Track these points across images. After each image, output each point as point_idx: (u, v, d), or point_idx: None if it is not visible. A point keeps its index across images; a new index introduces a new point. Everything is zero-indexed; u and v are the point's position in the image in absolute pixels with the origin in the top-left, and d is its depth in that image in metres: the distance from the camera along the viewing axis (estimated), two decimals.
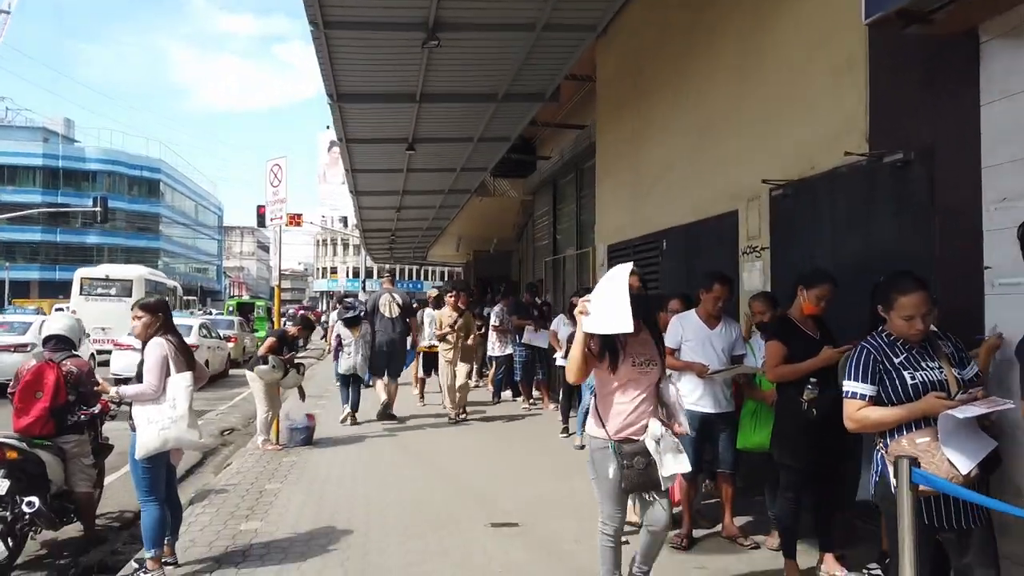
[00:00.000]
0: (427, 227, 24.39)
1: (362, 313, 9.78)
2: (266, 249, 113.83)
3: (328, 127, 55.13)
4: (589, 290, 8.51)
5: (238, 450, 7.90)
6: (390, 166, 14.61)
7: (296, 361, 7.77)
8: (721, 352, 4.74)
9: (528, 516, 5.37)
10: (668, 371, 4.70)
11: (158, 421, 4.07)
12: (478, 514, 5.44)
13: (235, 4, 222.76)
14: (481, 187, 17.75)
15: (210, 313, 24.68)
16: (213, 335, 14.74)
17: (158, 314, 4.32)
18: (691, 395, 4.64)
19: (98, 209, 30.31)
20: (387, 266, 55.15)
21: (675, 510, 4.79)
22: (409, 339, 10.09)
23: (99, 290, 19.03)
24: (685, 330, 4.80)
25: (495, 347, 10.97)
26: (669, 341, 4.67)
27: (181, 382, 4.19)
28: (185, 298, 25.68)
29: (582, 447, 7.48)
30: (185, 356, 4.33)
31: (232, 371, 16.29)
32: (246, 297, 23.56)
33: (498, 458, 7.47)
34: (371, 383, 10.15)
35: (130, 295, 19.17)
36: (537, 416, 10.06)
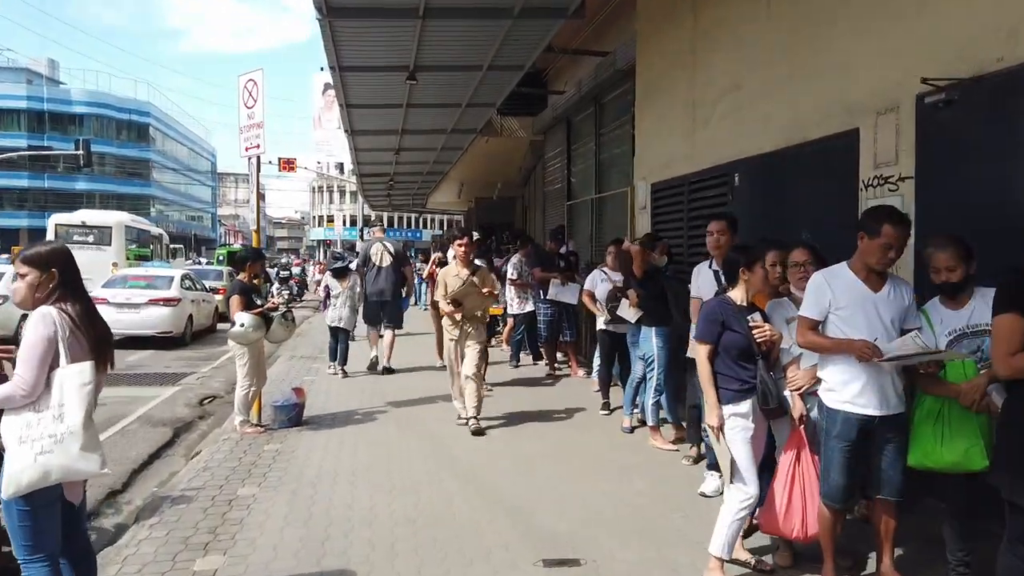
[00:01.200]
0: (427, 171, 22.97)
1: (349, 263, 9.64)
2: (262, 196, 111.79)
3: (323, 68, 52.89)
4: (620, 241, 7.32)
5: (214, 430, 6.65)
6: (388, 100, 13.18)
7: (282, 308, 6.27)
8: (890, 324, 3.31)
9: (587, 544, 3.97)
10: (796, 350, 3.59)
11: (36, 440, 2.63)
12: (517, 540, 4.06)
13: None
14: (487, 126, 16.34)
15: (199, 263, 23.42)
16: (198, 287, 13.56)
17: (50, 270, 2.84)
18: (842, 390, 3.33)
19: (80, 152, 28.93)
20: (377, 214, 53.79)
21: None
22: (404, 289, 9.85)
23: (76, 238, 17.72)
24: (835, 293, 3.34)
25: (513, 303, 9.50)
26: (810, 309, 3.39)
27: (74, 378, 2.72)
28: (172, 247, 24.35)
29: (632, 429, 6.38)
30: (87, 337, 2.82)
31: (221, 325, 15.16)
32: (237, 246, 22.30)
33: (529, 447, 6.01)
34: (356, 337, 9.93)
35: (110, 243, 17.91)
36: (566, 385, 8.66)
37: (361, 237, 46.82)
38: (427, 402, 7.69)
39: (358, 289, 9.35)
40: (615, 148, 12.01)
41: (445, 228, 61.96)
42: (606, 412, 7.07)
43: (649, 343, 5.48)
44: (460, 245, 6.59)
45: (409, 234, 63.43)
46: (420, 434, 6.41)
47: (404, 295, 10.09)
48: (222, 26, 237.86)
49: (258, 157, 6.63)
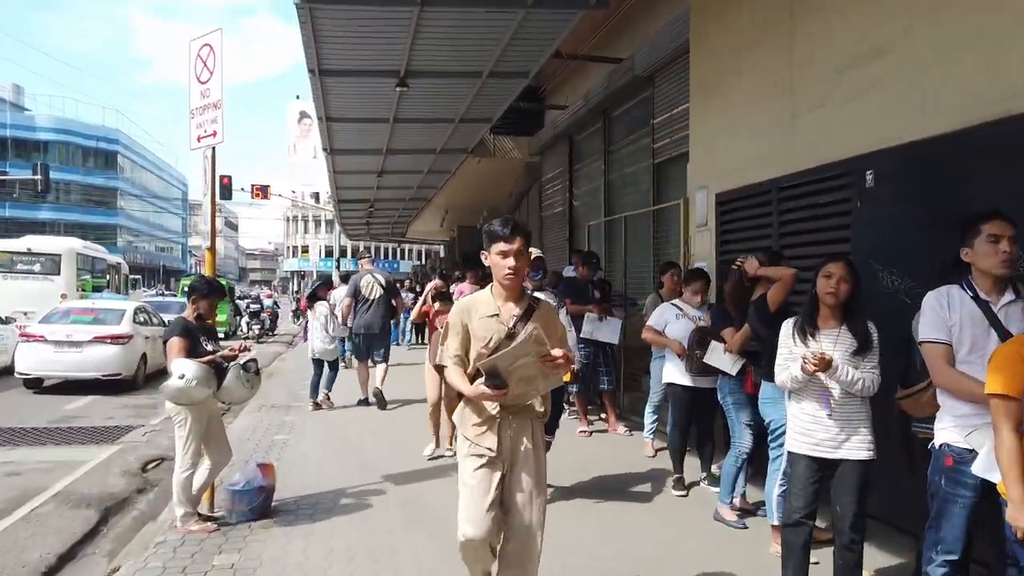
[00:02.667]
0: (411, 197, 21.59)
1: (317, 288, 9.56)
2: (234, 227, 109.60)
3: (298, 97, 51.57)
4: (674, 265, 5.95)
5: (147, 524, 4.73)
6: (374, 113, 11.82)
7: (242, 356, 4.60)
8: None
9: None
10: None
11: None
12: None
13: None
14: (479, 146, 15.04)
15: (163, 294, 21.67)
16: (155, 321, 11.94)
17: None
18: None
19: (39, 178, 27.19)
20: (363, 244, 52.23)
21: None
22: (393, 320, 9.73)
23: (20, 267, 15.98)
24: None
25: None
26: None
27: None
28: (132, 277, 22.53)
29: (741, 523, 4.56)
30: None
31: None
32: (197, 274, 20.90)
33: (588, 553, 4.06)
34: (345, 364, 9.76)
35: (58, 272, 16.15)
36: (609, 446, 6.64)
37: (337, 268, 45.25)
38: (440, 475, 5.71)
39: (326, 320, 8.96)
40: (630, 166, 10.75)
41: (425, 259, 60.58)
42: (681, 493, 5.24)
43: (778, 406, 3.75)
44: (504, 252, 2.95)
45: (386, 265, 61.84)
46: (434, 527, 4.49)
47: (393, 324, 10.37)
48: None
49: (213, 149, 4.93)
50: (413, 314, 10.46)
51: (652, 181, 9.64)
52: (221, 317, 20.21)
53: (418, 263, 62.45)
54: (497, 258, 2.93)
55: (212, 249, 5.27)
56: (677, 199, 8.91)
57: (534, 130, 15.17)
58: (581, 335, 6.13)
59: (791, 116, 5.24)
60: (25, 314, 13.78)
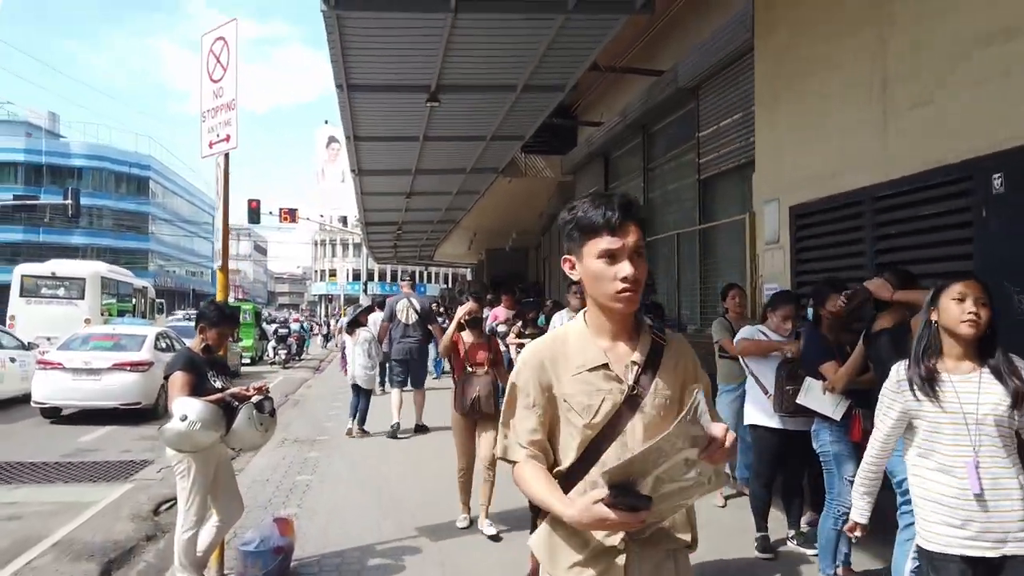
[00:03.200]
0: (439, 219, 21.21)
1: (359, 314, 9.46)
2: (263, 251, 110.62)
3: (326, 122, 51.93)
4: (735, 287, 5.30)
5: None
6: (403, 131, 11.42)
7: (256, 395, 3.96)
8: None
9: None
10: None
11: None
12: None
13: (233, 8, 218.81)
14: (510, 166, 14.61)
15: (189, 317, 21.41)
16: (177, 347, 11.53)
17: None
18: None
19: (69, 202, 27.29)
20: (382, 268, 51.93)
21: None
22: (432, 347, 9.48)
23: (44, 291, 15.76)
24: None
25: None
26: None
27: None
28: (157, 301, 22.30)
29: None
30: None
31: None
32: (231, 300, 20.49)
33: None
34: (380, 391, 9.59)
35: (82, 296, 15.90)
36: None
37: (365, 291, 45.00)
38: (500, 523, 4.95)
39: (368, 345, 8.81)
40: (672, 182, 10.19)
41: (451, 283, 60.30)
42: (769, 556, 4.39)
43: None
44: (613, 253, 1.69)
45: (416, 290, 61.71)
46: None
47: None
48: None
49: (227, 156, 4.33)
50: (441, 345, 10.01)
51: (698, 198, 9.06)
52: (247, 342, 19.85)
53: (445, 286, 62.17)
54: (599, 264, 1.69)
55: (224, 269, 4.72)
56: (727, 215, 8.36)
57: (566, 149, 14.68)
58: None
59: (885, 115, 4.56)
60: (48, 339, 13.50)
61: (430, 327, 9.05)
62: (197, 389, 3.77)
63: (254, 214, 31.53)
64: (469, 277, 46.97)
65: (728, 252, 7.66)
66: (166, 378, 3.86)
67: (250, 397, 3.97)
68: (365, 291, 44.02)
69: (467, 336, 5.39)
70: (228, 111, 4.07)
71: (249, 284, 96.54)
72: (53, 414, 9.99)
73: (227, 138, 4.11)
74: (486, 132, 11.60)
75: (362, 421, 8.53)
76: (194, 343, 4.09)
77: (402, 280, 9.97)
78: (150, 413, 9.95)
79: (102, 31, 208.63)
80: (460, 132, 11.65)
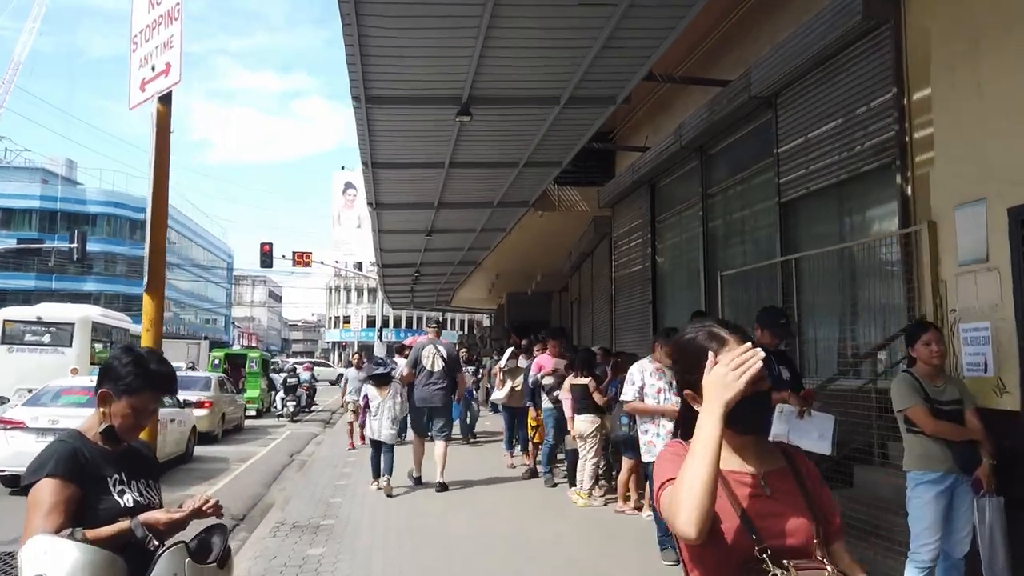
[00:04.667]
0: (460, 260, 19.91)
1: (392, 371, 8.59)
2: (277, 298, 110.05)
3: (343, 167, 51.51)
4: (932, 327, 3.82)
5: None
6: (428, 157, 10.17)
7: (208, 509, 2.20)
8: None
9: None
10: None
11: None
12: None
13: (256, 63, 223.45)
14: (541, 198, 13.31)
15: (192, 367, 20.03)
16: (170, 402, 10.16)
17: None
18: None
19: (75, 246, 26.37)
20: (414, 315, 50.62)
21: None
22: (455, 395, 8.90)
23: (29, 337, 14.43)
24: None
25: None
26: None
27: None
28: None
29: None
30: None
31: (200, 450, 11.63)
32: (237, 348, 18.99)
33: None
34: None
35: (70, 344, 14.56)
36: None
37: (379, 339, 43.61)
38: None
39: (399, 399, 8.34)
40: (741, 208, 8.79)
41: (469, 330, 58.79)
42: None
43: None
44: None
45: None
46: None
47: (455, 401, 9.16)
48: (246, 138, 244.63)
49: (169, 97, 2.97)
50: (501, 394, 8.71)
51: (778, 223, 7.62)
52: (253, 392, 18.40)
53: (462, 333, 60.71)
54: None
55: (156, 290, 3.19)
56: (817, 242, 6.93)
57: (603, 180, 13.39)
58: (771, 438, 4.02)
59: None
60: (30, 391, 12.12)
61: (456, 375, 8.59)
62: (81, 513, 2.02)
63: (267, 258, 30.50)
64: (487, 323, 45.57)
65: (863, 282, 6.17)
66: (26, 488, 2.07)
67: (183, 524, 2.18)
68: (380, 338, 42.66)
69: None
70: (169, 25, 2.68)
71: (263, 331, 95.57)
72: (14, 483, 8.54)
73: (166, 70, 2.72)
74: (519, 157, 10.32)
75: (389, 471, 8.01)
76: (88, 423, 2.26)
77: (429, 326, 9.47)
78: None
79: (124, 86, 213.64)
80: (490, 157, 10.38)
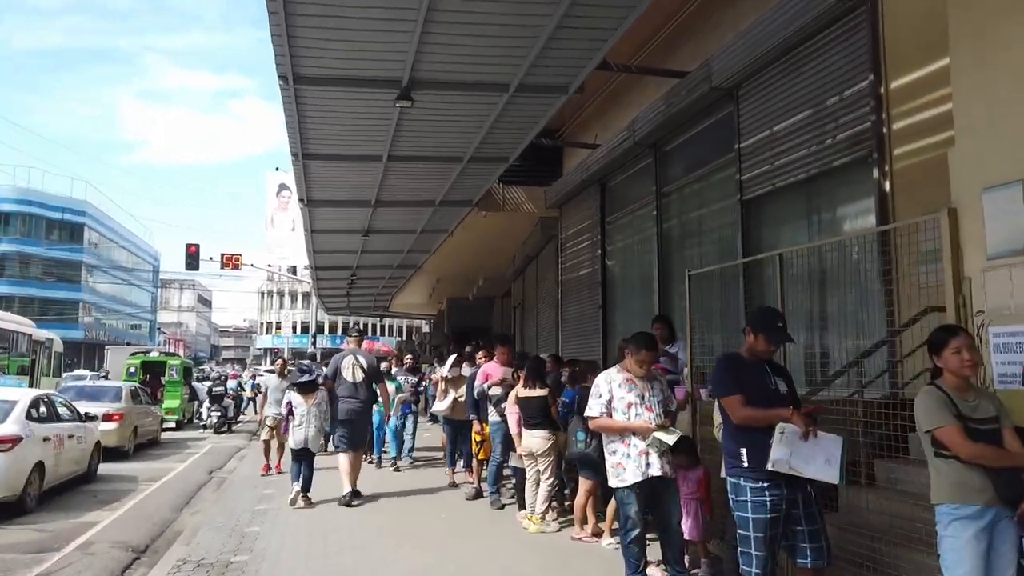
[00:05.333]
0: (398, 263, 19.08)
1: (318, 377, 8.19)
2: (207, 303, 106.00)
3: (277, 168, 49.77)
4: (962, 331, 3.23)
5: None
6: (365, 149, 9.41)
7: None
8: None
9: None
10: None
11: None
12: None
13: (190, 60, 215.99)
14: (486, 197, 12.67)
15: (105, 376, 18.51)
16: (68, 415, 8.99)
17: None
18: None
19: None
20: (350, 320, 49.35)
21: None
22: (378, 407, 9.00)
23: None
24: None
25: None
26: None
27: None
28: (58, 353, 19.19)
29: None
30: None
31: (108, 467, 10.49)
32: (155, 354, 17.52)
33: None
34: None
35: None
36: None
37: (313, 344, 42.05)
38: None
39: (325, 407, 8.08)
40: (700, 207, 8.34)
41: (408, 336, 57.68)
42: None
43: None
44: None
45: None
46: None
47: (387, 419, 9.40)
48: (180, 139, 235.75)
49: None
50: (442, 405, 7.97)
51: (740, 222, 7.18)
52: (173, 403, 17.09)
53: (400, 339, 59.45)
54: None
55: None
56: (783, 241, 6.48)
57: (550, 179, 12.85)
58: (771, 465, 3.31)
59: None
60: None
61: (374, 386, 8.42)
62: None
63: (192, 259, 28.89)
64: (426, 329, 44.56)
65: (840, 284, 5.70)
66: None
67: None
68: (314, 344, 41.20)
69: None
70: None
71: (192, 337, 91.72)
72: None
73: None
74: (464, 151, 9.66)
75: (307, 488, 7.73)
76: None
77: (349, 335, 9.18)
78: (16, 508, 7.40)
79: (49, 81, 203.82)
80: (433, 151, 9.69)
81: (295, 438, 7.84)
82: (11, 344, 14.89)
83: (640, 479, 4.05)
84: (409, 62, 6.86)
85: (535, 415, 6.02)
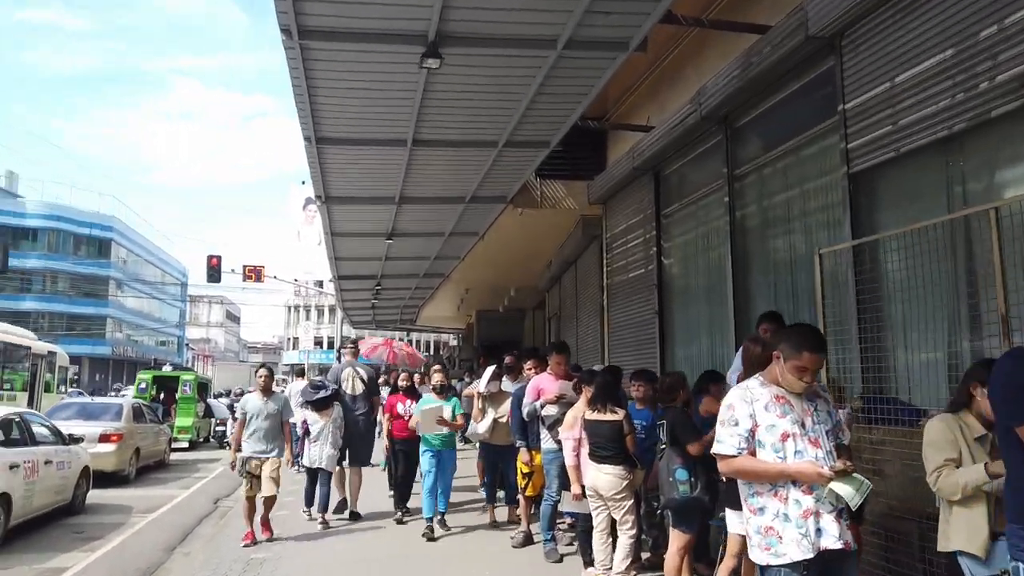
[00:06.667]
0: (425, 271, 17.86)
1: (334, 392, 7.98)
2: (235, 319, 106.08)
3: (304, 182, 49.19)
4: None
5: None
6: (387, 131, 8.19)
7: None
8: None
9: None
10: None
11: None
12: None
13: (217, 82, 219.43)
14: (523, 192, 11.42)
15: (117, 391, 17.45)
16: (49, 438, 7.80)
17: None
18: None
19: None
20: (359, 334, 48.38)
21: None
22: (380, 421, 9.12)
23: None
24: None
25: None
26: None
27: None
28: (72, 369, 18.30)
29: None
30: None
31: (102, 495, 9.31)
32: (168, 369, 16.71)
33: None
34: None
35: None
36: None
37: (339, 360, 41.11)
38: None
39: (341, 422, 7.95)
40: (786, 188, 6.95)
41: (435, 351, 56.51)
42: None
43: None
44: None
45: None
46: None
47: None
48: (202, 159, 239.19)
49: None
50: (481, 427, 6.65)
51: (848, 200, 5.78)
52: (186, 421, 15.96)
53: (427, 354, 58.31)
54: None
55: None
56: (905, 221, 5.06)
57: (592, 173, 11.52)
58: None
59: None
60: None
61: (372, 399, 8.44)
62: None
63: (214, 272, 28.01)
64: (454, 343, 43.27)
65: None
66: None
67: None
68: (339, 360, 40.19)
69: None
70: None
71: (220, 353, 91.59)
72: None
73: None
74: (499, 132, 8.40)
75: (324, 507, 7.57)
76: None
77: (344, 347, 9.30)
78: None
79: (82, 104, 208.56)
80: (464, 132, 8.46)
81: (310, 456, 7.69)
82: (5, 358, 13.85)
83: (809, 555, 2.60)
84: (437, 9, 5.63)
85: (606, 446, 4.64)
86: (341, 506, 8.04)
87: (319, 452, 7.59)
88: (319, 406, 7.77)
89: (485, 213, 12.09)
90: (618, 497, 4.55)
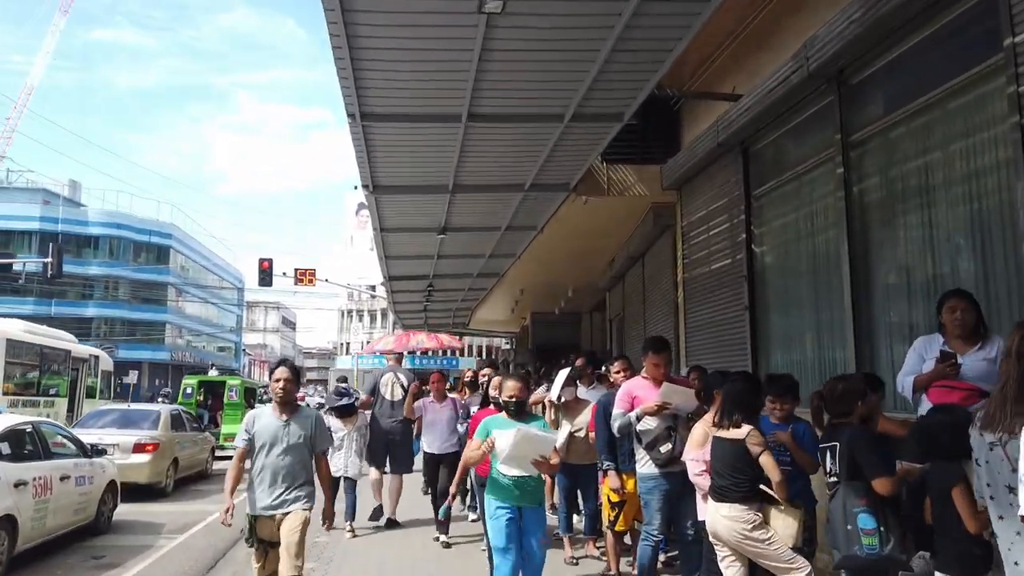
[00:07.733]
0: (479, 271, 16.90)
1: (355, 400, 8.03)
2: (292, 325, 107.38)
3: (356, 187, 49.18)
4: None
5: None
6: (440, 106, 7.21)
7: None
8: None
9: None
10: None
11: None
12: None
13: (276, 96, 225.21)
14: (587, 178, 10.33)
15: (163, 397, 16.94)
16: (70, 450, 7.03)
17: None
18: None
19: (49, 260, 23.77)
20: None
21: None
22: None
23: None
24: None
25: None
26: None
27: None
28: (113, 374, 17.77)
29: None
30: None
31: (135, 509, 8.55)
32: (214, 373, 16.18)
33: None
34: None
35: None
36: None
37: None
38: None
39: (366, 430, 8.03)
40: (918, 155, 5.69)
41: (487, 355, 55.67)
42: None
43: None
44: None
45: (444, 362, 56.89)
46: None
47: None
48: (258, 169, 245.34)
49: None
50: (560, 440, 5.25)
51: (1022, 157, 4.52)
52: (231, 428, 15.31)
53: (480, 359, 57.47)
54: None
55: None
56: None
57: (664, 156, 10.34)
58: None
59: None
60: None
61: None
62: None
63: (266, 275, 27.66)
64: (507, 346, 42.30)
65: None
66: None
67: None
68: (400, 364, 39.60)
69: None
70: None
71: (276, 359, 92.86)
72: None
73: None
74: (565, 104, 7.34)
75: (352, 516, 7.73)
76: None
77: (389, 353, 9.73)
78: None
79: (149, 119, 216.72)
80: (524, 104, 7.42)
81: (335, 464, 7.38)
82: (44, 361, 13.32)
83: None
84: None
85: (723, 473, 3.49)
86: (376, 513, 8.03)
87: (343, 460, 7.65)
88: (343, 412, 7.84)
89: (546, 203, 11.04)
90: (744, 545, 3.36)
